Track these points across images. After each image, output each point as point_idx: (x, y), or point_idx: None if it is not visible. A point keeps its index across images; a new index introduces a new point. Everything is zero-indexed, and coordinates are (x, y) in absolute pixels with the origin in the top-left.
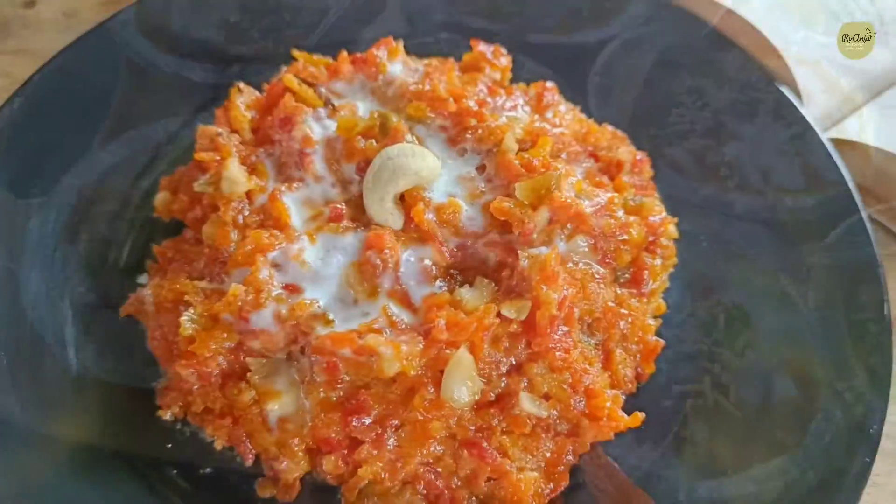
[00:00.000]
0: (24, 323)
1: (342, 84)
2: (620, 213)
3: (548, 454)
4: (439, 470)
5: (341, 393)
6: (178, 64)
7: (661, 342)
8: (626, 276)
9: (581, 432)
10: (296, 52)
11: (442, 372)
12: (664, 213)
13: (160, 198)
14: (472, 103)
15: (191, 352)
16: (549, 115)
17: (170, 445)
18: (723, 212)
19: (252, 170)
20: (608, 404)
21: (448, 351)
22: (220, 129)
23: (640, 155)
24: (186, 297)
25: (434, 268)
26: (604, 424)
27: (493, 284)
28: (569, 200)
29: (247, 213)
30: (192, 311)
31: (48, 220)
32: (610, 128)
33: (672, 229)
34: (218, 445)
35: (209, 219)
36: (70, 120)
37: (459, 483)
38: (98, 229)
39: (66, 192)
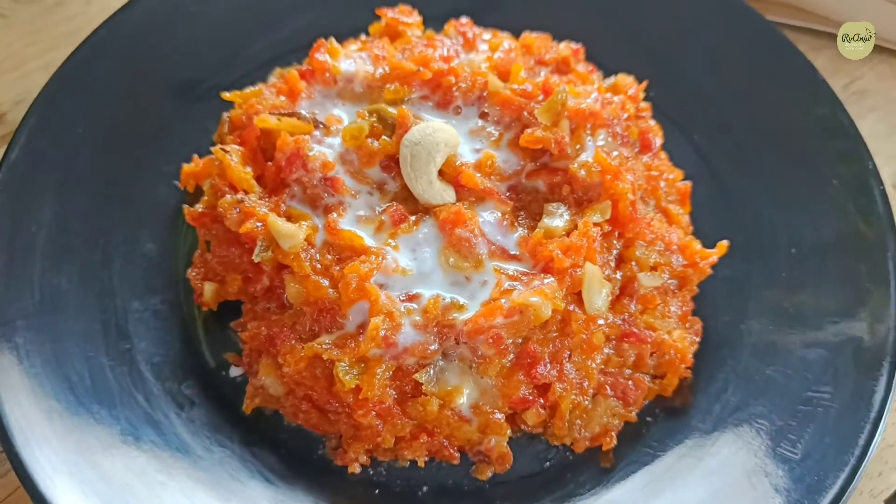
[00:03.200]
0: None
1: (306, 103)
2: (616, 98)
3: (678, 311)
4: (613, 370)
5: (511, 355)
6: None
7: (688, 183)
8: (637, 146)
9: (688, 280)
10: (228, 95)
11: (577, 294)
12: (633, 83)
13: (209, 291)
14: (440, 63)
15: (363, 399)
16: (482, 47)
17: (377, 491)
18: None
19: (288, 218)
20: (698, 247)
21: (577, 271)
22: (239, 195)
23: (573, 45)
24: (325, 356)
25: (505, 217)
26: (702, 265)
27: (562, 205)
28: (581, 105)
29: (318, 257)
30: (344, 364)
31: None
32: (532, 34)
33: (641, 93)
34: (421, 463)
35: (286, 281)
36: None
37: (631, 371)
38: (150, 351)
39: None
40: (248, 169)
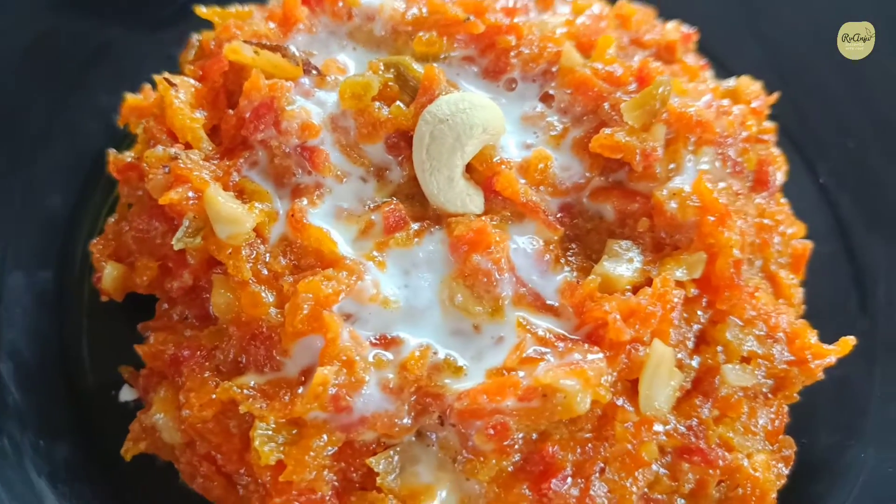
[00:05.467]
0: None
1: (304, 38)
2: (736, 108)
3: (768, 426)
4: (659, 497)
5: (517, 457)
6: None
7: (809, 243)
8: (750, 180)
9: (789, 384)
10: (203, 11)
11: (633, 381)
12: (762, 93)
13: (109, 275)
14: (500, 16)
15: (285, 484)
16: (562, 9)
17: None
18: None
19: (239, 193)
20: (813, 340)
21: (640, 351)
22: (172, 149)
23: (686, 28)
24: (243, 408)
25: (550, 248)
26: (814, 365)
27: (634, 244)
28: (688, 108)
29: (267, 257)
30: (265, 426)
31: None
32: (637, 3)
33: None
34: None
35: (213, 283)
36: None
37: (684, 502)
38: (18, 346)
39: None
40: (199, 114)
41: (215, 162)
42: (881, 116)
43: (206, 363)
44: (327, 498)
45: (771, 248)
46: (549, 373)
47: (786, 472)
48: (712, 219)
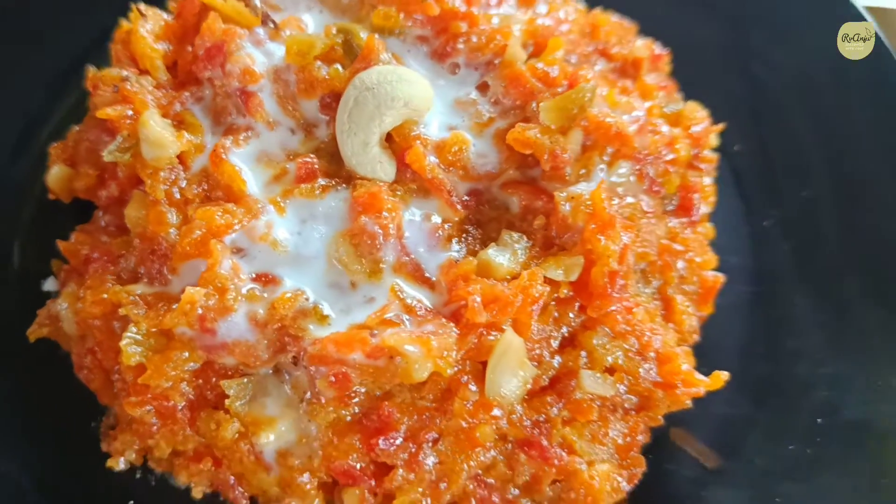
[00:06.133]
0: None
1: None
2: (665, 128)
3: (619, 439)
4: (492, 482)
5: (356, 409)
6: None
7: (721, 276)
8: (673, 203)
9: (653, 405)
10: None
11: (483, 363)
12: (706, 120)
13: (55, 174)
14: (457, 2)
15: (142, 385)
16: (541, 8)
17: (132, 502)
18: (755, 106)
19: (178, 123)
20: (685, 367)
21: (491, 336)
22: (124, 72)
23: (658, 48)
24: (122, 311)
25: (445, 226)
26: (681, 392)
27: (526, 238)
28: (608, 118)
29: (183, 183)
30: (135, 330)
31: None
32: (614, 17)
33: (714, 138)
34: (197, 494)
35: (132, 198)
36: None
37: (517, 493)
38: None
39: None
40: (161, 46)
41: (164, 91)
42: (842, 173)
43: (111, 267)
44: (179, 408)
45: (672, 272)
46: (396, 336)
47: (627, 487)
48: (594, 227)
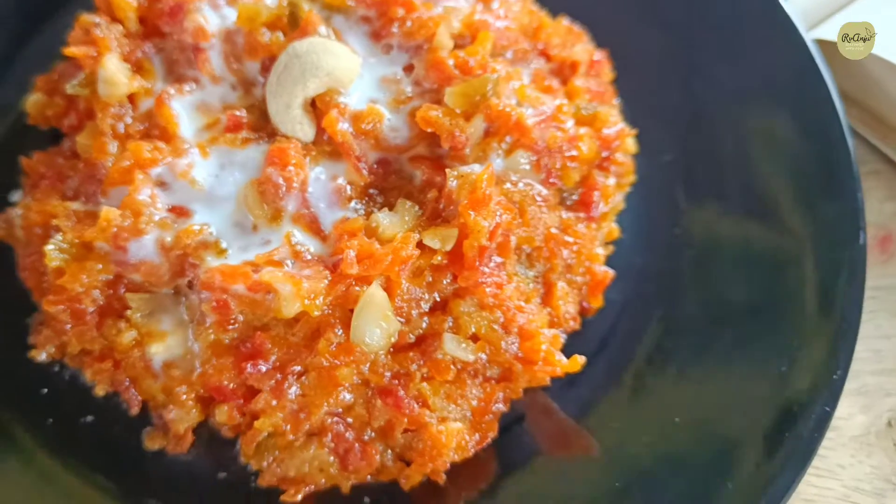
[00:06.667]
0: None
1: None
2: (570, 125)
3: (474, 402)
4: (350, 421)
5: (235, 335)
6: None
7: (611, 272)
8: (574, 198)
9: (514, 377)
10: None
11: (352, 311)
12: (621, 124)
13: (33, 100)
14: None
15: (60, 286)
16: (494, 5)
17: (45, 391)
18: (691, 119)
19: (137, 68)
20: (545, 346)
21: (358, 288)
22: (97, 18)
23: (598, 54)
24: (55, 221)
25: (349, 187)
26: (539, 369)
27: (418, 208)
28: (508, 109)
29: (129, 120)
30: (61, 238)
31: None
32: (566, 22)
33: (630, 143)
34: (99, 391)
35: (85, 128)
36: None
37: (373, 435)
38: None
39: None
40: (135, 1)
41: (133, 40)
42: (754, 195)
43: (59, 185)
44: (89, 311)
45: (557, 260)
46: (272, 274)
47: (473, 448)
48: (466, 202)
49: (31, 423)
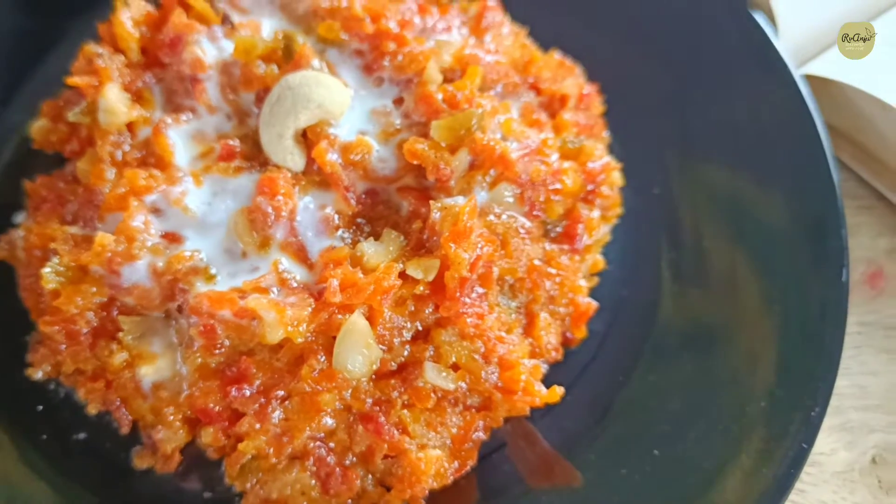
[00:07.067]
0: None
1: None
2: (554, 158)
3: (454, 430)
4: (332, 445)
5: (222, 359)
6: None
7: (594, 304)
8: (559, 229)
9: (493, 406)
10: None
11: (335, 338)
12: (607, 158)
13: (38, 126)
14: (392, 24)
15: (56, 307)
16: (487, 38)
17: (41, 407)
18: (680, 153)
19: (137, 97)
20: (524, 377)
21: (341, 316)
22: (100, 49)
23: (587, 88)
24: (53, 245)
25: (337, 217)
26: (518, 399)
27: (403, 238)
28: (492, 143)
29: (127, 147)
30: (57, 262)
31: None
32: (558, 56)
33: (616, 176)
34: (91, 410)
35: (86, 154)
36: None
37: (354, 460)
38: None
39: None
40: (138, 31)
41: (134, 70)
42: (741, 234)
43: (59, 209)
44: (83, 332)
45: (539, 291)
46: (257, 301)
47: (451, 475)
48: (447, 235)
49: (28, 438)
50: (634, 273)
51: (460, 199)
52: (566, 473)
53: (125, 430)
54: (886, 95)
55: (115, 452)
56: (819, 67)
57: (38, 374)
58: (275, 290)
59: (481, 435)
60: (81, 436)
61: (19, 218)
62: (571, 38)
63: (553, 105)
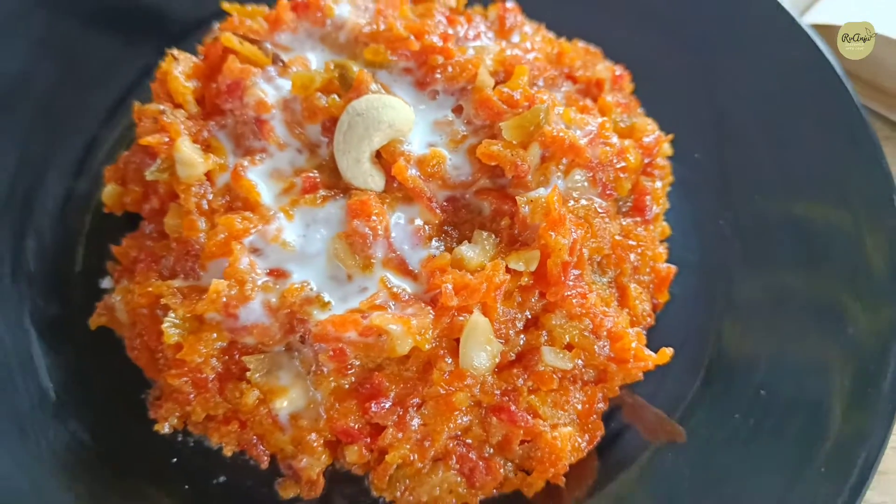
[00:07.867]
0: None
1: (287, 36)
2: (615, 139)
3: (579, 406)
4: (470, 441)
5: (353, 379)
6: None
7: (673, 268)
8: (628, 204)
9: (609, 377)
10: (226, 5)
11: (457, 340)
12: (658, 132)
13: (108, 191)
14: (435, 38)
15: (180, 360)
16: (514, 38)
17: (175, 460)
18: (713, 118)
19: (206, 147)
20: (633, 344)
21: (461, 317)
22: (161, 106)
23: (618, 69)
24: (163, 301)
25: (426, 227)
26: (632, 366)
27: (494, 237)
28: (560, 134)
29: (210, 196)
30: (173, 316)
31: None
32: (581, 44)
33: (667, 147)
34: (227, 452)
35: (170, 209)
36: None
37: (492, 451)
38: (43, 235)
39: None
40: (191, 84)
41: (195, 121)
42: (790, 181)
43: (154, 266)
44: (210, 379)
45: (626, 264)
46: (382, 317)
47: (585, 448)
48: (544, 224)
49: (170, 490)
50: (694, 236)
51: (542, 191)
52: (672, 430)
53: (264, 465)
54: (887, 30)
55: (257, 489)
56: (819, 15)
57: (165, 428)
58: (391, 305)
59: (602, 406)
60: (221, 479)
61: (106, 283)
62: (586, 25)
63: (590, 90)
